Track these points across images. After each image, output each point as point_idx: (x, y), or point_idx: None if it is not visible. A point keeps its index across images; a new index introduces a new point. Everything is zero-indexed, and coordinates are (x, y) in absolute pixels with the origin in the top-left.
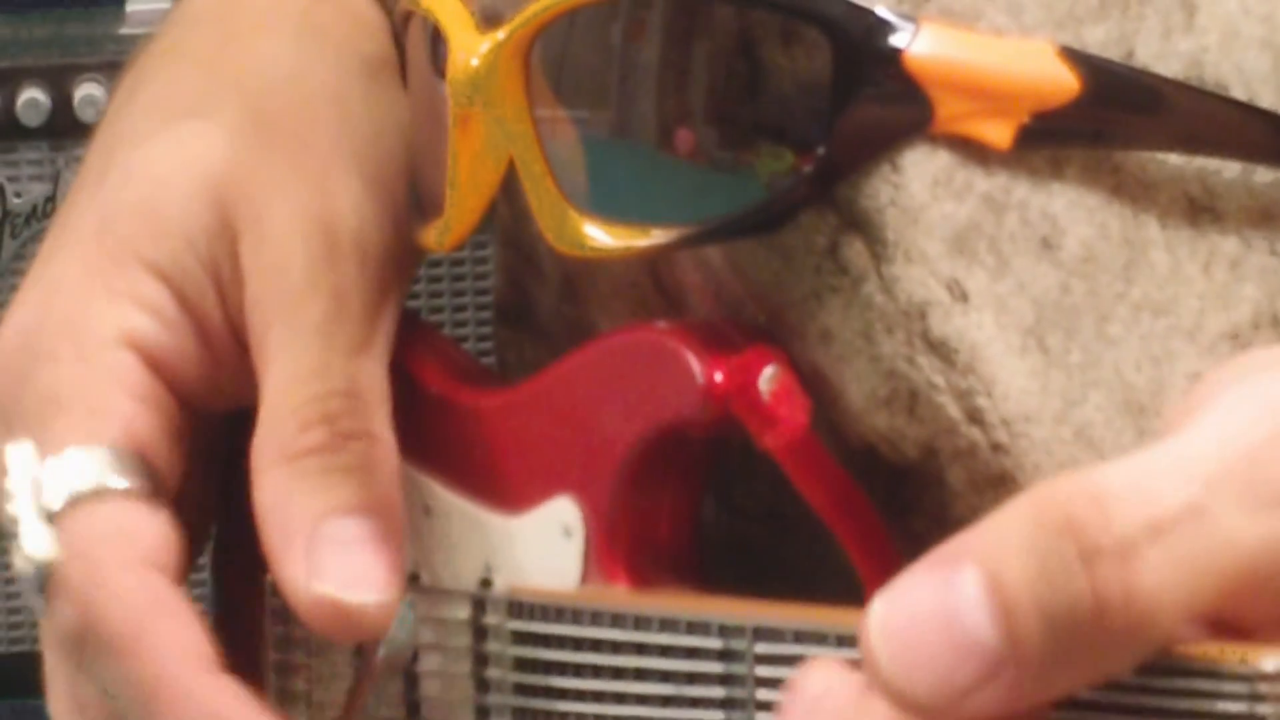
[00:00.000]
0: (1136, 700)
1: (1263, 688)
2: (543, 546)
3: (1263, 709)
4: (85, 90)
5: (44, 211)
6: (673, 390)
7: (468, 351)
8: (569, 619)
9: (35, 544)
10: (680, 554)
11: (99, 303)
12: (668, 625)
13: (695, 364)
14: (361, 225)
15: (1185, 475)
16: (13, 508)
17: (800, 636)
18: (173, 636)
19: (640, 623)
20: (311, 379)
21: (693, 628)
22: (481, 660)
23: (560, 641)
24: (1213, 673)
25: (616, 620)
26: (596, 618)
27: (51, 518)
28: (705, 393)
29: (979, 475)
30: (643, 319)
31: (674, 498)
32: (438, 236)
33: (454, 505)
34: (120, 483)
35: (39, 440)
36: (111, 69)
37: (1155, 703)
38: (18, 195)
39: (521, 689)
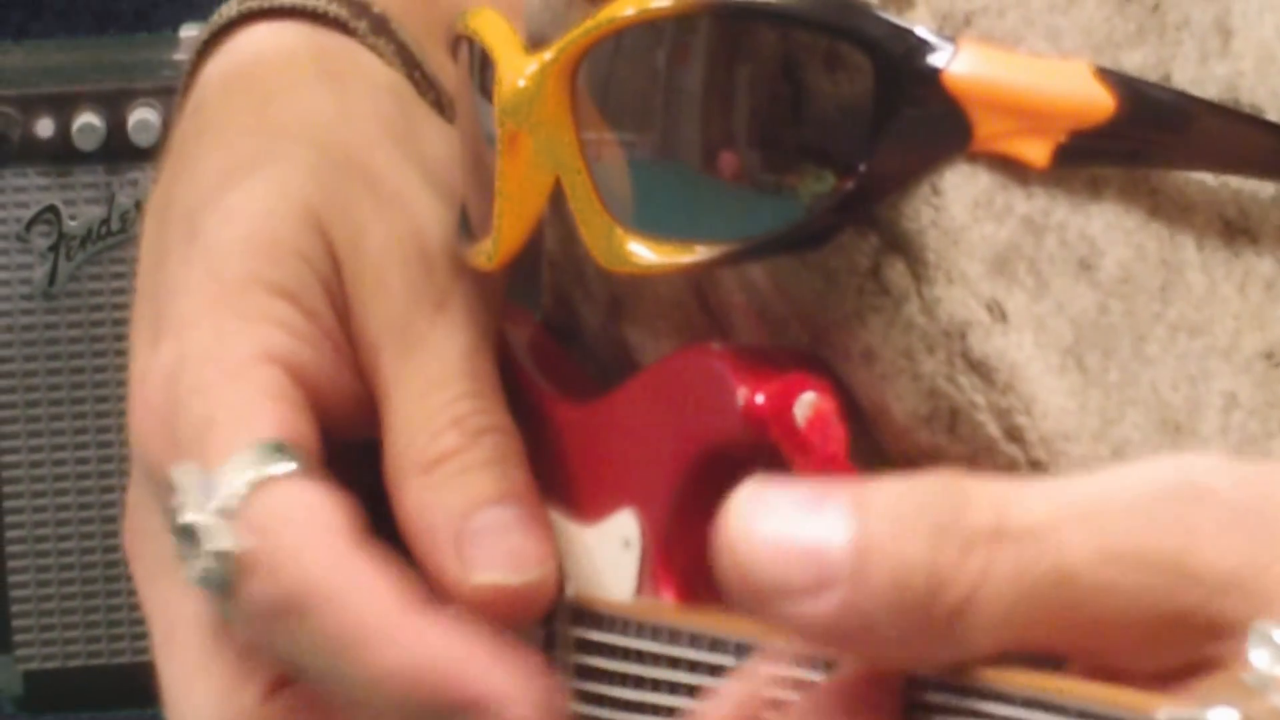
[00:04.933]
0: None
1: None
2: (607, 557)
3: None
4: (139, 115)
5: (98, 234)
6: (716, 411)
7: (571, 357)
8: (618, 629)
9: (220, 539)
10: None
11: (234, 328)
12: (695, 641)
13: (736, 386)
14: (445, 232)
15: (1054, 502)
16: (190, 516)
17: (800, 660)
18: (374, 587)
19: (674, 636)
20: (431, 390)
21: (714, 645)
22: (549, 663)
23: (611, 651)
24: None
25: (655, 633)
26: (640, 629)
27: (229, 515)
28: (745, 415)
29: None
30: (688, 339)
31: None
32: (485, 255)
33: None
34: (285, 468)
35: (201, 459)
36: (166, 94)
37: None
38: (73, 218)
39: (581, 696)
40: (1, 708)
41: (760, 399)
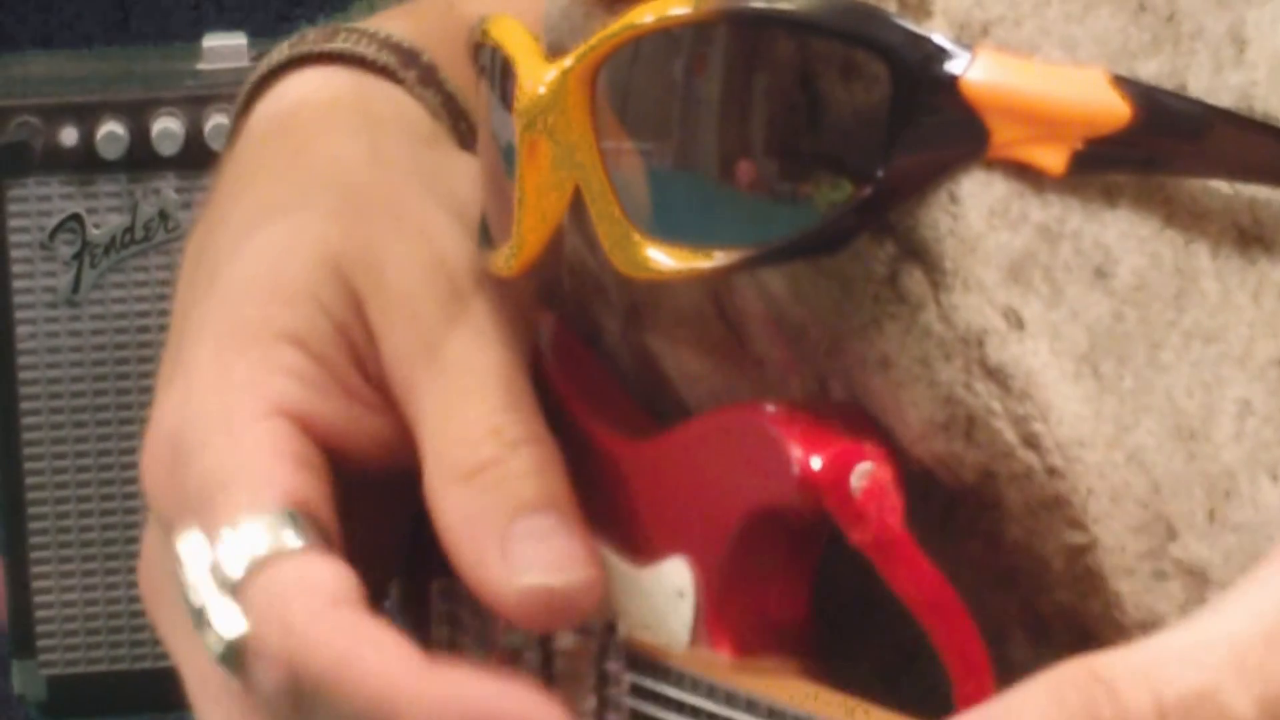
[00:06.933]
0: None
1: None
2: (659, 602)
3: None
4: (162, 124)
5: (122, 242)
6: (771, 475)
7: (621, 387)
8: (673, 680)
9: (226, 624)
10: (791, 628)
11: (240, 379)
12: (752, 707)
13: (791, 453)
14: (470, 253)
15: (1200, 659)
16: (197, 597)
17: None
18: (381, 655)
19: (730, 699)
20: (467, 402)
21: (772, 713)
22: (604, 703)
23: (666, 701)
24: None
25: (711, 692)
26: (695, 685)
27: (235, 590)
28: (800, 484)
29: (1034, 498)
30: (707, 348)
31: (785, 574)
32: (505, 261)
33: None
34: (294, 541)
35: (206, 524)
36: (188, 103)
37: None
38: (96, 227)
39: None
40: (25, 713)
41: (816, 466)
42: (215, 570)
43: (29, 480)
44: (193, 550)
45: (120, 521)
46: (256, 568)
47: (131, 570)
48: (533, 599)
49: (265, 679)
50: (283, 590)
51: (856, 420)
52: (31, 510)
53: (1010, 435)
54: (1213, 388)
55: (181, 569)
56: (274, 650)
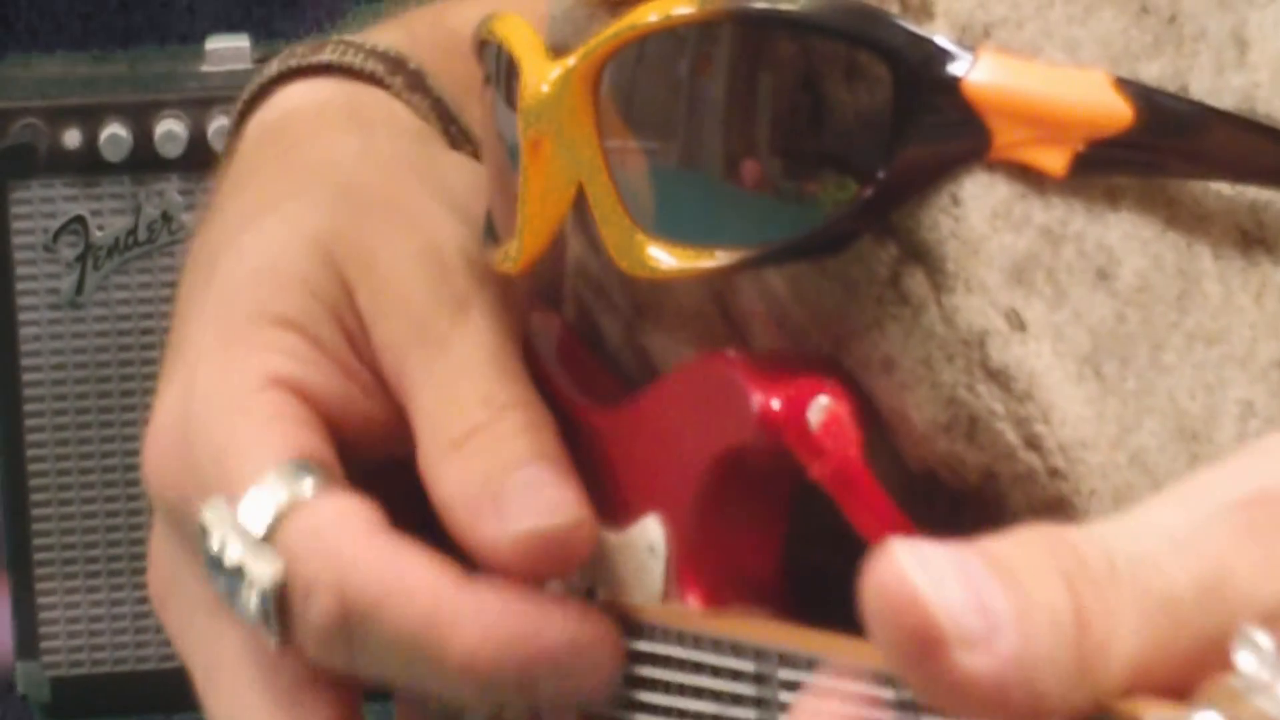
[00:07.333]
0: None
1: None
2: (634, 562)
3: None
4: (166, 126)
5: (125, 244)
6: (731, 417)
7: (600, 362)
8: (645, 634)
9: (263, 569)
10: (761, 577)
11: (239, 360)
12: (717, 646)
13: (750, 392)
14: (462, 242)
15: (1144, 533)
16: (230, 559)
17: (813, 665)
18: (429, 573)
19: (697, 641)
20: (457, 378)
21: (735, 649)
22: None
23: (639, 656)
24: None
25: (680, 638)
26: (665, 634)
27: (267, 544)
28: (759, 421)
29: (1037, 500)
30: (710, 350)
31: (755, 522)
32: (508, 259)
33: None
34: (309, 483)
35: (226, 492)
36: (191, 105)
37: None
38: (100, 229)
39: (616, 702)
40: (30, 714)
41: (774, 404)
42: (242, 531)
43: (33, 482)
44: (217, 518)
45: (124, 523)
46: (284, 515)
47: (135, 571)
48: (528, 545)
49: (317, 617)
50: (321, 525)
51: (815, 361)
52: (35, 512)
53: (1012, 436)
54: (1215, 389)
55: (208, 538)
56: (324, 583)
